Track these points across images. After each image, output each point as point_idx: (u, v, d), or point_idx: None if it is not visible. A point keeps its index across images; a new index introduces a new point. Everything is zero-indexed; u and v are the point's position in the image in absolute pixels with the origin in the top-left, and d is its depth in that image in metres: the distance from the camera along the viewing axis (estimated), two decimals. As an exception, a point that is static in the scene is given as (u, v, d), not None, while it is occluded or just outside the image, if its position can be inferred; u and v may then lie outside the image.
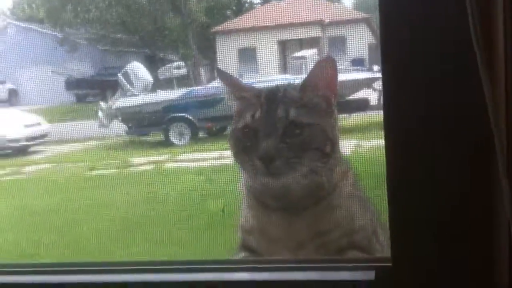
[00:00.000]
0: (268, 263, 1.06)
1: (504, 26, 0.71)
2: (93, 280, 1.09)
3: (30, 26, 3.93)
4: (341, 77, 2.89)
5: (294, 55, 3.07)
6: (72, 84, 3.58)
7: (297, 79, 2.86)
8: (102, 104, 3.29)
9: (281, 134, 1.16)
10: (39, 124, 3.59)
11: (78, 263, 1.15)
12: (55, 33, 3.61)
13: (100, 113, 3.19)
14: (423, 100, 0.85)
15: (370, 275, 0.95)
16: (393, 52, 0.85)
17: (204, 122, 3.09)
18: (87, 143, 3.33)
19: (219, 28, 3.21)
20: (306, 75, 1.22)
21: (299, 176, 1.17)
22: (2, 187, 3.37)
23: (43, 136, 3.63)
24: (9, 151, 3.61)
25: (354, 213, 1.22)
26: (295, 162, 1.16)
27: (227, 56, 3.12)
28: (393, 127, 0.87)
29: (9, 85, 4.00)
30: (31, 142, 3.62)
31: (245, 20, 3.38)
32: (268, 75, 3.07)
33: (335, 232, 1.18)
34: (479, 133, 0.79)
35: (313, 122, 1.18)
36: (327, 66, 1.21)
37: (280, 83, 2.90)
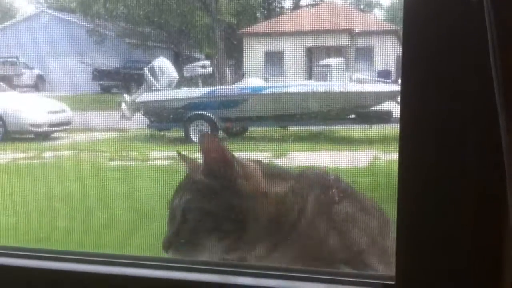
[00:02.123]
0: (274, 270, 1.05)
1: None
2: (100, 271, 1.10)
3: (62, 15, 3.99)
4: (366, 87, 2.89)
5: (320, 62, 3.06)
6: (98, 74, 3.62)
7: (321, 86, 2.87)
8: (126, 96, 3.32)
9: (178, 222, 1.15)
10: (63, 111, 3.64)
11: (88, 253, 1.16)
12: (86, 23, 3.65)
13: (123, 105, 3.22)
14: (442, 115, 0.84)
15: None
16: (414, 67, 0.85)
17: (224, 122, 3.10)
18: (109, 133, 3.37)
19: (247, 29, 3.22)
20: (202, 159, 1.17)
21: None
22: (21, 171, 3.42)
23: (66, 123, 3.68)
24: (32, 135, 3.66)
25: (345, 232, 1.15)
26: (190, 249, 1.15)
27: (253, 58, 3.13)
28: (408, 141, 0.86)
29: (37, 71, 4.06)
30: (54, 128, 3.67)
31: (274, 24, 3.39)
32: (292, 79, 3.07)
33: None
34: (497, 153, 0.77)
35: (202, 206, 1.14)
36: (209, 142, 1.17)
37: (304, 89, 2.90)
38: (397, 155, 0.89)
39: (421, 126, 0.86)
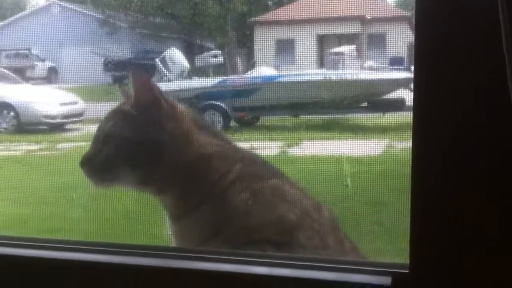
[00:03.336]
0: (286, 259, 1.05)
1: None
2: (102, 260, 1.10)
3: (73, 7, 4.00)
4: (378, 75, 2.87)
5: (332, 50, 3.05)
6: (110, 65, 3.63)
7: (333, 74, 2.86)
8: None
9: (100, 143, 1.20)
10: (75, 102, 3.66)
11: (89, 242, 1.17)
12: (97, 14, 3.66)
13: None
14: (456, 103, 0.84)
15: (386, 280, 0.94)
16: (427, 53, 0.84)
17: (237, 111, 3.10)
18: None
19: (258, 18, 3.21)
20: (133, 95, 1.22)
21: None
22: (36, 162, 3.44)
23: (79, 114, 3.70)
24: (45, 127, 3.69)
25: (255, 207, 1.16)
26: (104, 170, 1.20)
27: (264, 46, 3.12)
28: (422, 130, 0.86)
29: (49, 63, 4.08)
30: (67, 120, 3.69)
31: (285, 12, 3.37)
32: (304, 68, 3.06)
33: (229, 229, 1.16)
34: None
35: (122, 133, 1.20)
36: (140, 84, 1.22)
37: (316, 77, 2.89)
38: (411, 143, 0.88)
39: (435, 115, 0.85)
